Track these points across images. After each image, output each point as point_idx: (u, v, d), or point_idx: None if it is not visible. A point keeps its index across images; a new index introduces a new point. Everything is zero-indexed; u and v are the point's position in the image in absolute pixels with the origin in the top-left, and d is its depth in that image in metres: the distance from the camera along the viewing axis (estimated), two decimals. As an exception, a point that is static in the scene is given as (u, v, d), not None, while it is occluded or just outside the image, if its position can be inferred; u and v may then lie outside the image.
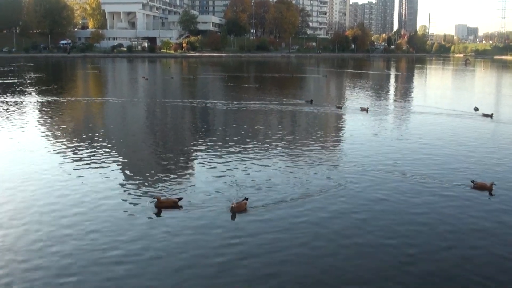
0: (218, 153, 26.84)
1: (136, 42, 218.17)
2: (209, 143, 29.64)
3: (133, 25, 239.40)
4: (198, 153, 27.08)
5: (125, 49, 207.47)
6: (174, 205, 17.89)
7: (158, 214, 17.46)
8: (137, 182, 21.38)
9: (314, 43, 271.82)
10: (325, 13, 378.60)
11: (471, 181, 21.25)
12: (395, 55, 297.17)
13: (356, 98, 56.58)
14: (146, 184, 21.12)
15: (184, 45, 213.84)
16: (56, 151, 26.88)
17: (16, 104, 46.59)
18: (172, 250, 14.73)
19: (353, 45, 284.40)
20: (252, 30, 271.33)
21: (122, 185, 20.84)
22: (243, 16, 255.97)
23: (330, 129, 37.23)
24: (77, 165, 23.90)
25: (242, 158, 25.66)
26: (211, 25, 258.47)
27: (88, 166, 23.78)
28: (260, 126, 37.11)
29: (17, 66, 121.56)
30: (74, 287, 12.57)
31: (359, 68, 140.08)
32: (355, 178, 22.05)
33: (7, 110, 42.61)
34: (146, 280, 12.98)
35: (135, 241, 15.23)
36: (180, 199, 18.25)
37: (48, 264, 13.64)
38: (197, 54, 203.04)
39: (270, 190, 20.12)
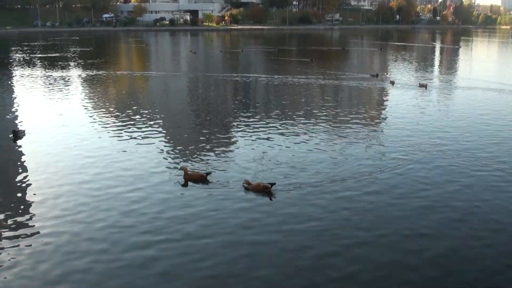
0: (264, 129, 25.42)
1: (178, 16, 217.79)
2: (256, 119, 28.27)
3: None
4: (240, 129, 25.85)
5: (167, 22, 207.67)
6: (201, 179, 17.37)
7: (184, 187, 17.15)
8: (173, 155, 20.95)
9: (334, 15, 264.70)
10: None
11: None
12: (440, 26, 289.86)
13: (411, 73, 53.79)
14: (182, 157, 20.57)
15: (226, 18, 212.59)
16: (98, 125, 26.56)
17: (61, 79, 46.04)
18: (187, 228, 14.03)
19: (397, 17, 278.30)
20: (294, 2, 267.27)
21: (157, 157, 20.49)
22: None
23: (384, 106, 34.22)
24: (116, 137, 23.78)
25: (285, 135, 24.22)
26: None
27: (127, 138, 23.52)
28: (312, 102, 35.06)
29: (61, 40, 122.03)
30: (95, 254, 12.59)
31: (404, 40, 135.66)
32: (408, 160, 19.87)
33: (52, 85, 42.09)
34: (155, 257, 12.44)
35: (153, 213, 14.94)
36: (208, 173, 17.62)
37: (75, 230, 13.90)
38: (239, 27, 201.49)
39: (307, 171, 18.53)
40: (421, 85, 41.43)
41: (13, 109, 31.53)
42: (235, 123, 27.47)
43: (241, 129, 25.82)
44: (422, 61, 71.81)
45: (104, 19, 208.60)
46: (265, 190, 16.28)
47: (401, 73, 53.69)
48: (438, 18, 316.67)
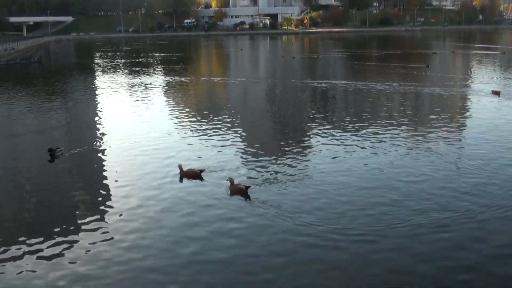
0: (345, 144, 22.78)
1: (258, 19, 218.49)
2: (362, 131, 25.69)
3: (255, 2, 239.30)
4: (311, 139, 24.37)
5: (247, 26, 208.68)
6: (196, 176, 18.02)
7: (180, 182, 17.78)
8: (239, 161, 20.56)
9: (420, 19, 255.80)
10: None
11: None
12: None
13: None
14: (252, 164, 20.01)
15: (305, 21, 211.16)
16: (172, 130, 26.73)
17: (143, 85, 46.11)
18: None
19: (480, 17, 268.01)
20: (375, 3, 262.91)
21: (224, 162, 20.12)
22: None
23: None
24: (190, 142, 23.78)
25: (368, 151, 21.49)
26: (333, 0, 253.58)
27: (199, 143, 23.45)
28: (433, 114, 30.02)
29: (144, 45, 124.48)
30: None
31: (491, 42, 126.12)
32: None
33: (133, 91, 42.36)
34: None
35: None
36: (202, 170, 18.31)
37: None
38: (318, 29, 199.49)
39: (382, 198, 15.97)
40: None
41: (95, 116, 31.74)
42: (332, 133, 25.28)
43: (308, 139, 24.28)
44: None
45: (186, 24, 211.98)
46: (240, 193, 16.28)
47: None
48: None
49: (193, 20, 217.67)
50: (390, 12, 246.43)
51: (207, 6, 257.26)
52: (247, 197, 16.12)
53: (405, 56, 79.46)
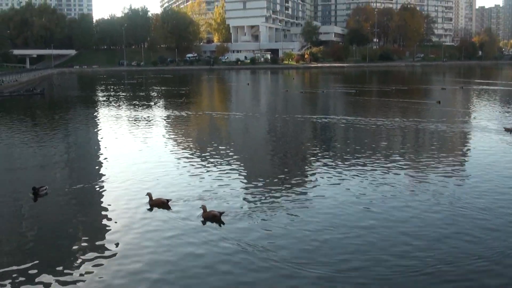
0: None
1: (259, 54, 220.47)
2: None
3: (256, 38, 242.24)
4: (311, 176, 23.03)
5: (248, 61, 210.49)
6: (163, 205, 18.27)
7: (150, 210, 17.95)
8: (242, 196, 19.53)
9: (419, 55, 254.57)
10: (451, 19, 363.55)
11: None
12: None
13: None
14: (254, 198, 19.19)
15: (306, 56, 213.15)
16: (172, 164, 25.71)
17: (147, 119, 45.10)
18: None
19: (480, 52, 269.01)
20: (375, 39, 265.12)
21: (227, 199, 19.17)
22: (366, 25, 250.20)
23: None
24: (189, 177, 22.83)
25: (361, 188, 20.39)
26: (333, 36, 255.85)
27: (198, 178, 22.49)
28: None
29: (146, 79, 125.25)
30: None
31: (494, 77, 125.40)
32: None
33: (136, 124, 41.46)
34: None
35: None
36: (168, 200, 18.52)
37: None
38: (319, 64, 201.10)
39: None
40: None
41: (92, 151, 30.88)
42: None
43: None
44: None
45: (188, 58, 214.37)
46: (214, 219, 16.35)
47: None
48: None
49: (195, 55, 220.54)
50: (390, 48, 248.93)
51: (209, 41, 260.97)
52: (220, 223, 16.07)
53: (414, 91, 77.19)
